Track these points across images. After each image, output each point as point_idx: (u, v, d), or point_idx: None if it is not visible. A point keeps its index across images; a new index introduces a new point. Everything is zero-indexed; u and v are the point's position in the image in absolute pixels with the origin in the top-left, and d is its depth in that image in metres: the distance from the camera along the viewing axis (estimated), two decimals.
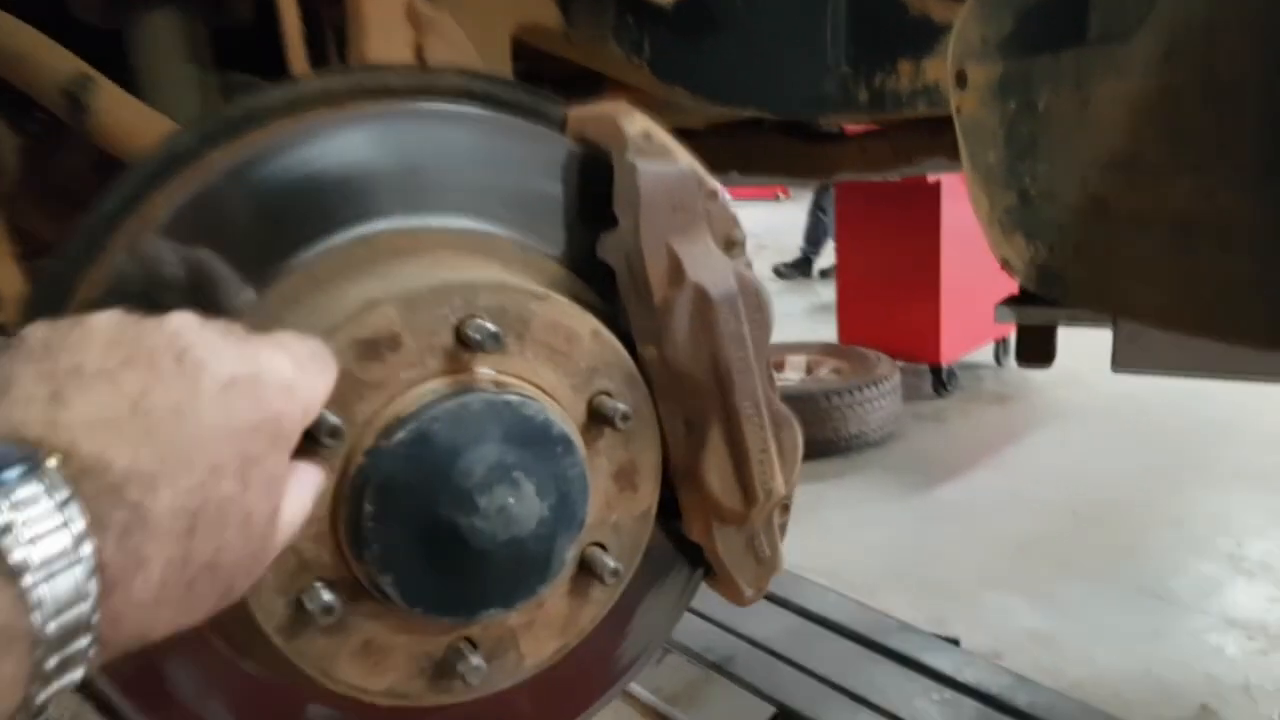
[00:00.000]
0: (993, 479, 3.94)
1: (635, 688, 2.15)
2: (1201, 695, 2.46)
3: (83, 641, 0.40)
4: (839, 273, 5.39)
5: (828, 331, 5.35)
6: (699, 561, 0.80)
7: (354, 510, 0.60)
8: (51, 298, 0.64)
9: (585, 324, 0.69)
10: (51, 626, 0.39)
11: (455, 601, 0.64)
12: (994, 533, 3.42)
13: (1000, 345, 5.41)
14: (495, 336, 0.63)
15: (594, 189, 0.73)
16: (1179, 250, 0.84)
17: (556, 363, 0.68)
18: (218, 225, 0.64)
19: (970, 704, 2.15)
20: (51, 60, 0.90)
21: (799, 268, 8.37)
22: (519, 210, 0.73)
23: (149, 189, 0.65)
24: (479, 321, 0.63)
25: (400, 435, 0.60)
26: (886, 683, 2.22)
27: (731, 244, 0.74)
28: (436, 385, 0.63)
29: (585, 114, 0.76)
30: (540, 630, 0.71)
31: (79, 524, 0.40)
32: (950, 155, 1.54)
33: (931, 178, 4.52)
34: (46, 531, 0.39)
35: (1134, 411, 4.46)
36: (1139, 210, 0.87)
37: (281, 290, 0.65)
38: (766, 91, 1.23)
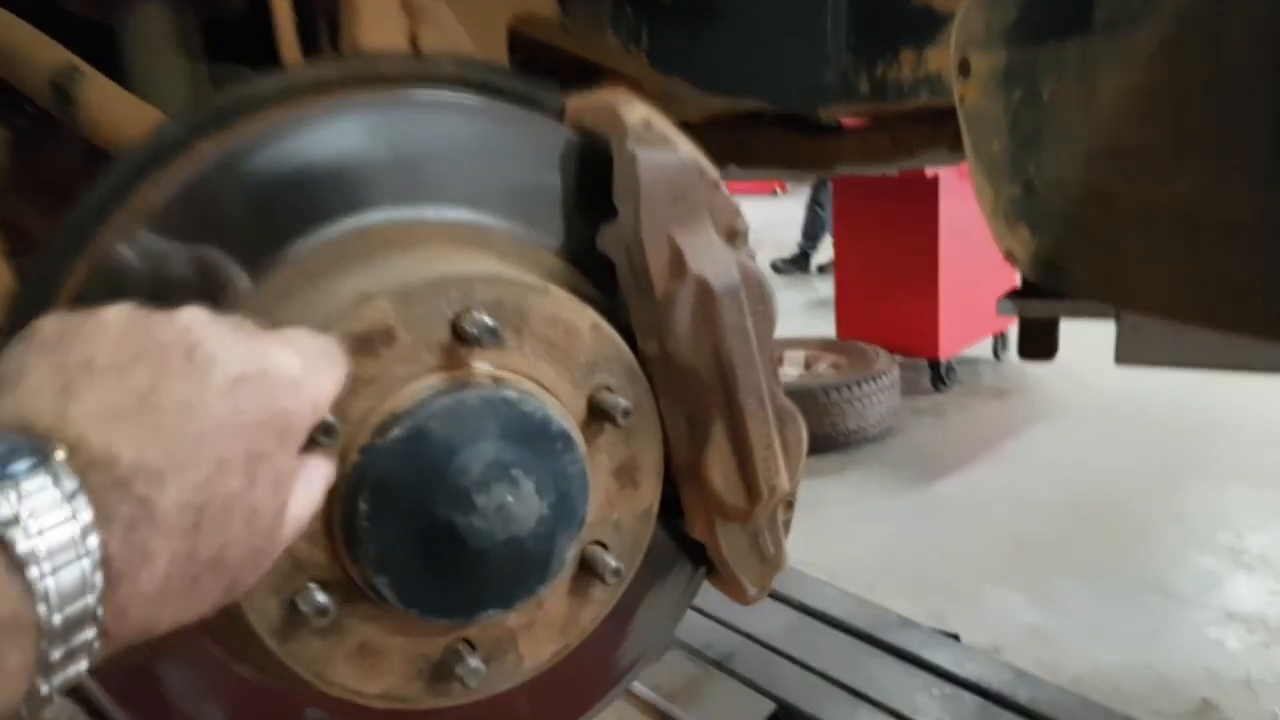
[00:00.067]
0: (992, 474, 3.94)
1: (635, 685, 2.14)
2: (1202, 689, 2.45)
3: (88, 633, 0.41)
4: (837, 268, 5.39)
5: (826, 327, 5.34)
6: (701, 560, 0.79)
7: (349, 509, 0.59)
8: (38, 292, 0.62)
9: (585, 317, 0.68)
10: (57, 618, 0.39)
11: (453, 602, 0.63)
12: (993, 528, 3.41)
13: (999, 340, 5.41)
14: (492, 331, 0.62)
15: (593, 179, 0.72)
16: (1184, 241, 0.83)
17: (555, 357, 0.66)
18: (207, 217, 0.63)
19: (970, 699, 2.14)
20: (38, 52, 0.89)
21: (797, 263, 8.36)
22: (516, 201, 0.72)
23: (136, 181, 0.63)
24: (476, 315, 0.61)
25: (396, 432, 0.59)
26: (886, 678, 2.22)
27: (734, 234, 0.73)
28: (433, 381, 0.62)
29: (584, 102, 0.75)
30: (540, 631, 0.70)
31: (86, 516, 0.40)
32: (951, 147, 1.54)
33: (929, 172, 4.51)
34: (53, 523, 0.39)
35: (1133, 406, 4.46)
36: (1144, 201, 0.86)
37: (273, 284, 0.63)
38: (766, 82, 1.21)
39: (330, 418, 0.56)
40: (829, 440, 4.08)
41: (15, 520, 0.38)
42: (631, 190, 0.69)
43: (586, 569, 0.70)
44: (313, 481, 0.54)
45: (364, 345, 0.59)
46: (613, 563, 0.70)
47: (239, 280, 0.63)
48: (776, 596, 2.52)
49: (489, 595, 0.64)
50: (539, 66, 1.21)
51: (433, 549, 0.60)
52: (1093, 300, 1.05)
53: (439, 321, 0.62)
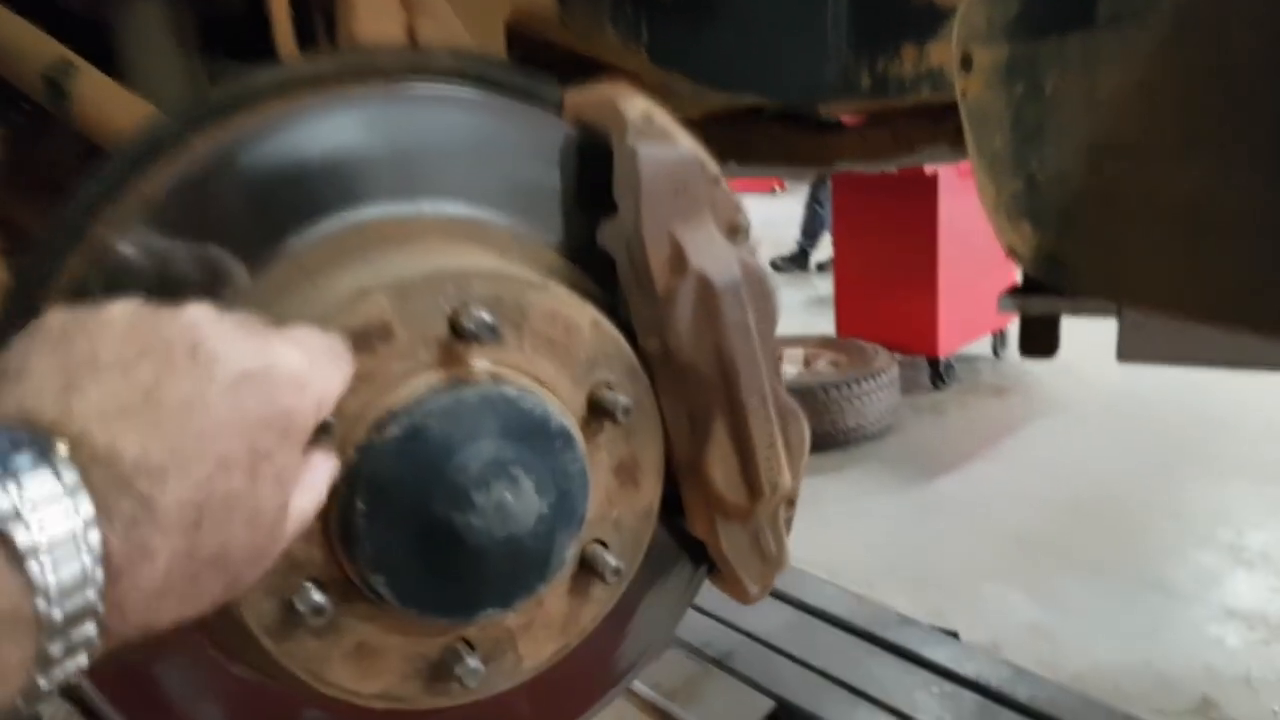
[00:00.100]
0: (991, 471, 3.93)
1: (633, 683, 2.14)
2: (1202, 687, 2.45)
3: (87, 629, 0.41)
4: (836, 266, 5.39)
5: (825, 324, 5.35)
6: (702, 559, 0.78)
7: (345, 507, 0.58)
8: (32, 287, 0.62)
9: (584, 314, 0.67)
10: (57, 613, 0.39)
11: (451, 602, 0.62)
12: (993, 525, 3.41)
13: (998, 337, 5.41)
14: (491, 327, 0.61)
15: (593, 174, 0.71)
16: (1190, 236, 0.83)
17: (555, 354, 0.65)
18: (202, 212, 0.62)
19: (970, 697, 2.14)
20: (32, 46, 0.88)
21: (796, 261, 8.36)
22: (515, 196, 0.71)
23: (131, 175, 0.63)
24: (474, 311, 0.60)
25: (393, 430, 0.58)
26: (886, 676, 2.22)
27: (735, 230, 0.72)
28: (430, 378, 0.61)
29: (583, 96, 0.74)
30: (539, 630, 0.69)
31: (87, 511, 0.40)
32: (953, 143, 1.53)
33: (929, 170, 4.51)
34: (54, 518, 0.39)
35: (1132, 403, 4.46)
36: (1149, 196, 0.86)
37: (270, 279, 0.63)
38: (766, 78, 1.20)
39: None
40: (828, 438, 4.08)
41: (16, 514, 0.38)
42: (632, 185, 0.68)
43: (586, 568, 0.69)
44: (315, 480, 0.53)
45: (360, 341, 0.59)
46: (613, 561, 0.69)
47: (236, 275, 0.62)
48: (776, 594, 2.52)
49: (488, 594, 0.63)
50: (537, 62, 1.20)
51: (431, 548, 0.60)
52: (1095, 297, 1.05)
53: (437, 317, 0.61)
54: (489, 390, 0.61)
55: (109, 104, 0.86)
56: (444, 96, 0.70)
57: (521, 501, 0.61)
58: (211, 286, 0.61)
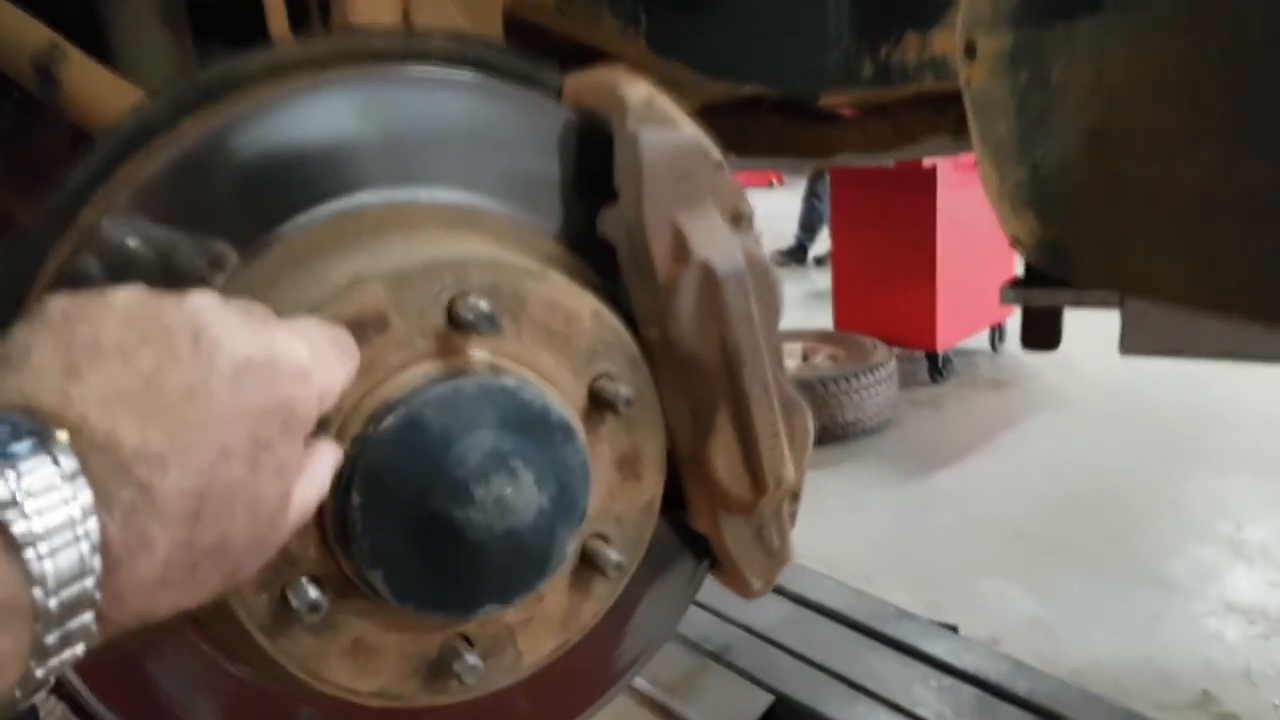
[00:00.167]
0: (989, 465, 3.93)
1: None
2: (1201, 681, 2.45)
3: (84, 618, 0.40)
4: (834, 259, 5.38)
5: (823, 318, 5.34)
6: (705, 553, 0.77)
7: (341, 501, 0.57)
8: (17, 274, 0.60)
9: (585, 304, 0.65)
10: (53, 601, 0.39)
11: (449, 597, 0.61)
12: (991, 519, 3.41)
13: (996, 331, 5.41)
14: (489, 317, 0.59)
15: (593, 160, 0.70)
16: (1198, 225, 0.81)
17: (555, 345, 0.64)
18: (193, 197, 0.61)
19: (969, 691, 2.14)
20: (22, 31, 0.87)
21: (794, 255, 8.35)
22: (513, 183, 0.69)
23: (120, 160, 0.61)
24: (472, 301, 0.59)
25: (389, 422, 0.57)
26: (885, 670, 2.22)
27: (738, 218, 0.71)
28: (427, 368, 0.59)
29: (583, 81, 0.72)
30: (539, 627, 0.68)
31: (86, 498, 0.40)
32: (954, 134, 1.52)
33: (927, 163, 4.51)
34: (52, 505, 0.38)
35: (1131, 397, 4.46)
36: (1156, 184, 0.84)
37: (262, 266, 0.61)
38: (767, 66, 1.19)
39: None
40: (826, 432, 4.08)
41: (13, 501, 0.37)
42: (633, 171, 0.66)
43: (587, 563, 0.68)
44: (318, 471, 0.53)
45: (356, 331, 0.57)
46: (614, 556, 0.68)
47: (228, 261, 0.60)
48: (774, 589, 2.50)
49: (487, 590, 0.62)
50: (535, 50, 1.19)
51: (428, 543, 0.58)
52: (1100, 287, 1.04)
53: (434, 306, 0.59)
54: (487, 381, 0.60)
55: (100, 90, 0.85)
56: (441, 80, 0.69)
57: (521, 495, 0.60)
58: (203, 273, 0.60)
